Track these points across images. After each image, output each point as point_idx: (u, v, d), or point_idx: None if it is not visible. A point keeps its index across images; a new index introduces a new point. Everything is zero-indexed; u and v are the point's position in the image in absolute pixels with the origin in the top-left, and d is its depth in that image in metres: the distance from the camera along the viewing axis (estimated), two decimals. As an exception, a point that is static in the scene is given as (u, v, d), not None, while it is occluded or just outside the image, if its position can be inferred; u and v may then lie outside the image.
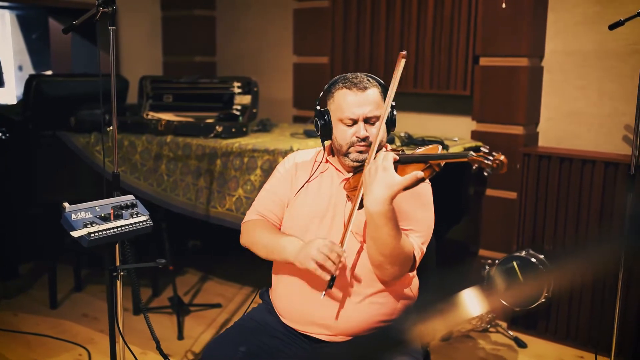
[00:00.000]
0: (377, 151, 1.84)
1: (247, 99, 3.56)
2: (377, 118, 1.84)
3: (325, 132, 1.89)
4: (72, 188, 3.56)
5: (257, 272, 1.96)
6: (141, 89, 3.72)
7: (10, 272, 3.86)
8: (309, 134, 3.29)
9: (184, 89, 3.72)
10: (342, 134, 1.85)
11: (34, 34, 6.35)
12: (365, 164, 1.73)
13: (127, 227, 2.00)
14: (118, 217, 2.00)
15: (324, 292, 1.73)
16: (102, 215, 1.96)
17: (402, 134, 3.15)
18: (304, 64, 4.21)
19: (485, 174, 1.55)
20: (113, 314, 2.08)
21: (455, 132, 3.51)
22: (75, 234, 1.87)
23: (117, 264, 2.13)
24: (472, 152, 1.55)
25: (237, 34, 4.65)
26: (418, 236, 1.83)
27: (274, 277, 1.98)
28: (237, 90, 3.59)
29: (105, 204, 2.00)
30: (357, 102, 1.82)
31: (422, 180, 1.61)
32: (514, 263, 3.00)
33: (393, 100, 1.92)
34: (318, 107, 1.91)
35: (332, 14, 3.92)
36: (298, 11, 4.20)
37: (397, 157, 1.67)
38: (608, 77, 3.12)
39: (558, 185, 3.06)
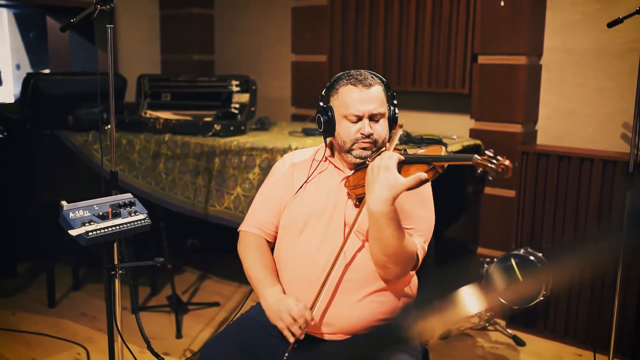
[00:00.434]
0: (378, 150, 1.84)
1: (245, 98, 3.55)
2: (382, 115, 1.85)
3: (328, 128, 1.89)
4: (70, 187, 3.56)
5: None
6: (139, 88, 3.72)
7: (9, 271, 3.85)
8: (307, 133, 3.29)
9: (182, 87, 3.71)
10: (346, 131, 1.85)
11: (32, 32, 6.34)
12: (368, 160, 1.73)
13: (125, 225, 1.99)
14: (116, 215, 1.99)
15: (286, 355, 1.75)
16: (100, 213, 1.96)
17: (401, 132, 3.14)
18: (302, 62, 4.20)
19: (490, 178, 1.54)
20: (111, 313, 2.08)
21: (453, 130, 3.51)
22: (73, 232, 1.87)
23: (115, 262, 2.12)
24: (476, 156, 1.54)
25: (236, 33, 4.65)
26: (420, 235, 1.83)
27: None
28: (235, 89, 3.58)
29: (103, 203, 1.99)
30: (362, 99, 1.82)
31: (425, 181, 1.61)
32: (513, 261, 3.00)
33: (395, 99, 1.93)
34: (321, 104, 1.91)
35: (331, 12, 3.91)
36: (296, 9, 4.20)
37: (403, 158, 1.67)
38: (606, 75, 3.12)
39: (556, 184, 3.06)
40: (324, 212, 1.88)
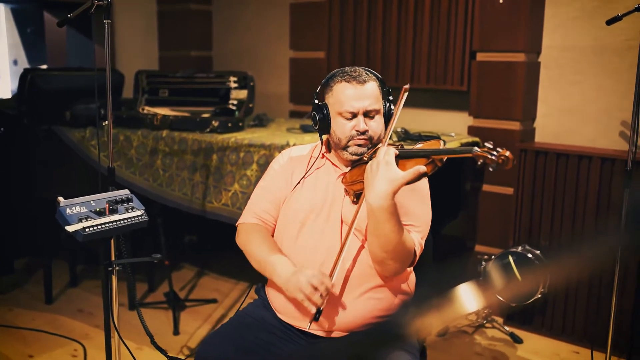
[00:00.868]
0: (374, 146, 1.84)
1: (243, 94, 3.54)
2: (377, 112, 1.84)
3: (323, 126, 1.88)
4: (67, 183, 3.55)
5: (253, 267, 1.95)
6: (137, 84, 3.71)
7: (6, 268, 3.84)
8: (305, 129, 3.28)
9: (179, 83, 3.70)
10: (341, 128, 1.84)
11: (29, 28, 6.32)
12: (365, 156, 1.72)
13: (122, 221, 1.99)
14: (113, 211, 1.99)
15: (309, 324, 1.74)
16: (97, 209, 1.95)
17: (399, 129, 3.14)
18: (301, 59, 4.20)
19: (491, 169, 1.53)
20: (108, 309, 2.07)
21: (452, 127, 3.51)
22: (70, 228, 1.86)
23: (113, 258, 2.12)
24: (476, 148, 1.53)
25: (234, 29, 4.64)
26: (417, 231, 1.83)
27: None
28: (233, 85, 3.58)
29: (100, 199, 1.98)
30: (356, 96, 1.82)
31: (424, 175, 1.61)
32: (510, 259, 3.00)
33: (390, 95, 1.92)
34: (316, 101, 1.90)
35: (329, 8, 3.90)
36: (294, 6, 4.19)
37: (398, 152, 1.66)
38: (605, 73, 3.12)
39: (554, 181, 3.06)
40: (321, 209, 1.87)
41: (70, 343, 3.04)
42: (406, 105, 1.74)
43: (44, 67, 5.25)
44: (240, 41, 4.60)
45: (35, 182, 3.59)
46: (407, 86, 1.73)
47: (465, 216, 3.48)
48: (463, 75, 3.45)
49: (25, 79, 3.61)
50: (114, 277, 2.11)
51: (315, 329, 1.83)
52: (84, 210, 1.92)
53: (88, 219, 1.90)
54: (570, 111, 3.24)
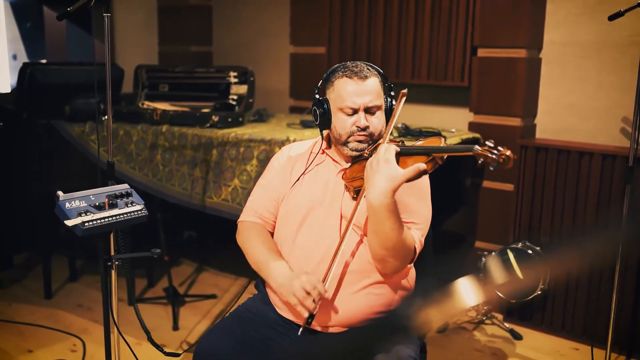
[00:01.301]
0: (374, 142, 1.83)
1: (243, 89, 3.53)
2: (378, 107, 1.83)
3: (324, 121, 1.88)
4: (67, 177, 3.54)
5: (252, 263, 1.95)
6: (137, 78, 3.70)
7: (5, 262, 3.84)
8: (305, 125, 3.28)
9: (179, 78, 3.69)
10: (342, 123, 1.83)
11: (29, 22, 6.30)
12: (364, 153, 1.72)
13: (121, 216, 1.98)
14: (113, 206, 1.98)
15: (301, 329, 1.74)
16: (97, 204, 1.94)
17: (400, 125, 3.13)
18: (301, 54, 4.18)
19: (491, 168, 1.52)
20: (107, 304, 2.07)
21: (452, 123, 3.50)
22: (69, 222, 1.85)
23: (112, 253, 2.11)
24: (477, 147, 1.53)
25: (234, 24, 4.62)
26: (418, 229, 1.83)
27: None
28: (233, 80, 3.57)
29: (99, 193, 1.98)
30: (357, 92, 1.81)
31: (424, 172, 1.60)
32: (511, 255, 3.00)
33: (392, 91, 1.91)
34: (317, 96, 1.89)
35: (330, 3, 3.89)
36: (295, 0, 4.17)
37: (399, 149, 1.66)
38: (607, 69, 3.10)
39: (555, 177, 3.06)
40: (321, 204, 1.87)
41: (70, 338, 3.04)
42: (406, 101, 1.73)
43: (44, 61, 5.24)
44: (241, 36, 4.59)
45: (35, 177, 3.59)
46: (405, 91, 1.73)
47: (466, 212, 3.48)
48: (464, 71, 3.44)
49: (25, 74, 3.60)
50: (113, 272, 2.10)
51: (314, 325, 1.83)
52: (83, 204, 1.91)
53: (87, 214, 1.90)
54: (571, 107, 3.23)
